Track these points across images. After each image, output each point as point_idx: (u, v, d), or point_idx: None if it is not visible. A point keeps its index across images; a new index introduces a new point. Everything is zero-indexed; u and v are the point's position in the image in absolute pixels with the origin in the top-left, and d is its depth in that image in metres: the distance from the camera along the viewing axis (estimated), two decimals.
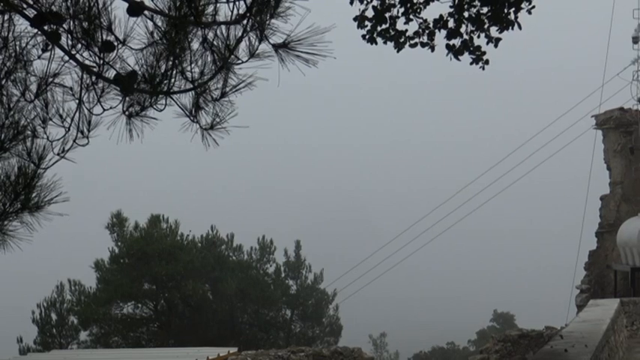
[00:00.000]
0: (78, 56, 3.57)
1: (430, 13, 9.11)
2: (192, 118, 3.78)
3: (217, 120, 3.81)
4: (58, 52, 3.60)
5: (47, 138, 3.80)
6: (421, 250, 41.05)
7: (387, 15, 9.10)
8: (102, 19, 3.50)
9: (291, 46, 3.56)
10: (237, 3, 3.47)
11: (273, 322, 32.08)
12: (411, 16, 9.10)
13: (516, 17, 8.86)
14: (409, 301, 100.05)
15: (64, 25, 3.50)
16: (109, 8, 3.52)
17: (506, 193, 38.99)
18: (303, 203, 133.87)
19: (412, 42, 9.20)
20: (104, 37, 3.53)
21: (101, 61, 3.57)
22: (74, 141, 3.78)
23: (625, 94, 25.99)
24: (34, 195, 3.80)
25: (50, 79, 3.74)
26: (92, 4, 3.49)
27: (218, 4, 3.49)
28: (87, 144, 3.81)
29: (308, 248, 33.89)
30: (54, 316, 29.60)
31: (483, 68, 9.24)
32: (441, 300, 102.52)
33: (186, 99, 3.74)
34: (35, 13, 3.45)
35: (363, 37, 9.19)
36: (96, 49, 3.54)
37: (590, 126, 26.83)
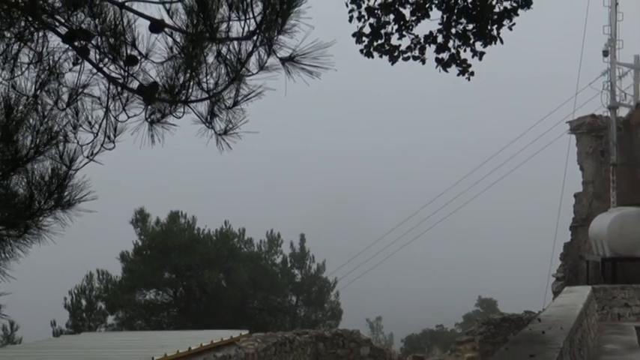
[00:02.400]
0: (105, 69, 3.57)
1: (421, 30, 9.11)
2: (207, 124, 3.78)
3: (230, 126, 3.81)
4: (87, 65, 3.60)
5: (77, 142, 3.81)
6: (412, 243, 41.13)
7: (382, 31, 9.10)
8: (126, 36, 3.50)
9: (297, 59, 3.55)
10: (248, 21, 3.47)
11: (280, 308, 32.10)
12: (404, 33, 9.10)
13: (498, 33, 8.85)
14: (402, 289, 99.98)
15: (93, 41, 3.50)
16: (133, 26, 3.52)
17: (489, 192, 39.04)
18: (307, 202, 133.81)
19: (405, 56, 9.20)
20: (128, 51, 3.53)
21: (126, 74, 3.57)
22: (102, 145, 3.78)
23: (596, 102, 26.00)
24: (65, 194, 3.80)
25: (80, 90, 3.75)
26: (118, 22, 3.49)
27: (231, 22, 3.48)
28: (113, 148, 3.82)
29: (311, 241, 33.92)
30: (84, 302, 29.64)
31: (469, 79, 9.24)
32: (430, 287, 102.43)
33: (202, 107, 3.74)
34: (66, 30, 3.45)
35: (361, 51, 9.19)
36: (121, 63, 3.54)
37: (565, 131, 26.85)
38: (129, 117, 3.72)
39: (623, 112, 25.74)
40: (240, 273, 30.25)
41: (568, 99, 27.89)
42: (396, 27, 9.04)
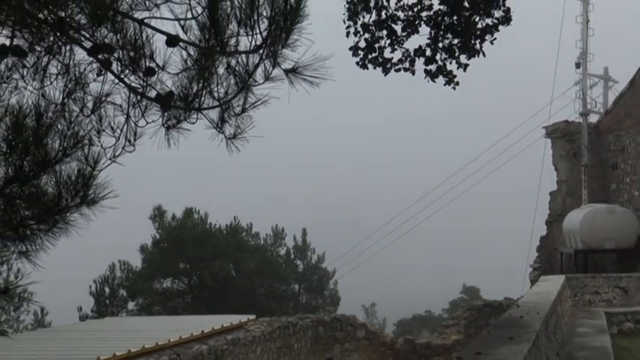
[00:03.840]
0: (126, 79, 3.57)
1: (411, 44, 9.12)
2: (218, 129, 3.77)
3: (239, 131, 3.80)
4: (110, 76, 3.60)
5: (101, 146, 3.81)
6: (404, 238, 41.21)
7: (376, 46, 9.11)
8: (145, 50, 3.50)
9: (299, 70, 3.55)
10: (255, 36, 3.47)
11: (284, 295, 32.11)
12: (396, 47, 9.11)
13: (481, 47, 8.86)
14: (394, 279, 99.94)
15: (115, 55, 3.50)
16: (151, 40, 3.52)
17: (473, 190, 39.07)
18: (308, 205, 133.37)
19: (396, 67, 9.21)
20: (147, 63, 3.53)
21: (145, 84, 3.57)
22: (123, 148, 3.78)
23: (569, 110, 26.08)
24: (90, 192, 3.79)
25: (103, 98, 3.75)
26: (137, 37, 3.48)
27: (239, 37, 3.48)
28: (133, 151, 3.81)
29: (312, 237, 33.92)
30: (107, 290, 29.65)
31: (454, 88, 9.25)
32: (420, 275, 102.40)
33: (214, 114, 3.73)
34: (91, 44, 3.45)
35: (357, 63, 9.20)
36: (140, 74, 3.54)
37: (541, 135, 26.88)
38: (147, 123, 3.72)
39: (593, 119, 25.80)
40: (247, 263, 30.26)
41: (544, 106, 27.96)
42: (388, 41, 9.06)
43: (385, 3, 8.90)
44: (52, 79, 3.73)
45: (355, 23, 9.02)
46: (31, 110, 3.65)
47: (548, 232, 26.25)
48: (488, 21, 8.76)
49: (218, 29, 3.37)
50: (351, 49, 9.09)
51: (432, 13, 8.82)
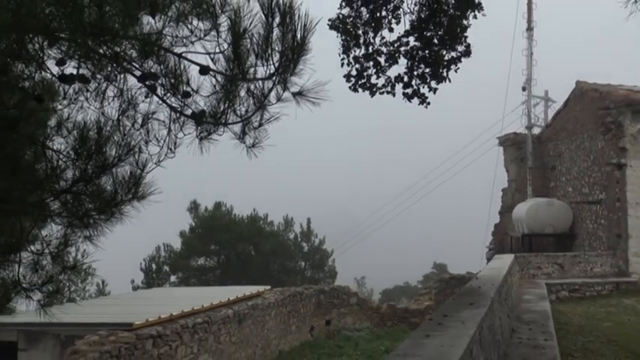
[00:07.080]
0: (168, 101, 3.56)
1: (392, 72, 9.12)
2: (240, 140, 3.76)
3: (257, 141, 3.80)
4: (155, 98, 3.60)
5: (148, 153, 3.81)
6: (386, 226, 41.20)
7: (365, 74, 9.12)
8: (183, 77, 3.50)
9: (304, 93, 3.54)
10: (269, 66, 3.47)
11: (293, 270, 32.12)
12: (380, 74, 9.12)
13: (447, 75, 8.86)
14: (380, 256, 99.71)
15: (159, 81, 3.50)
16: (187, 70, 3.52)
17: (442, 188, 39.06)
18: (310, 202, 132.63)
19: (381, 91, 9.22)
20: (184, 88, 3.53)
21: (182, 104, 3.57)
22: (165, 155, 3.78)
23: (517, 123, 26.13)
24: (140, 189, 3.80)
25: (150, 116, 3.75)
26: (177, 67, 3.48)
27: (257, 67, 3.48)
28: (173, 157, 3.82)
29: (315, 224, 33.89)
30: (154, 266, 29.69)
31: (426, 107, 9.26)
32: (400, 254, 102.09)
33: (237, 128, 3.72)
34: (140, 73, 3.45)
35: (349, 87, 9.21)
36: (179, 96, 3.54)
37: (495, 144, 26.87)
38: (185, 135, 3.72)
39: (536, 131, 25.80)
40: (264, 245, 30.27)
41: (497, 121, 27.97)
42: (374, 70, 9.07)
43: (372, 40, 8.92)
44: (110, 101, 3.73)
45: (348, 56, 9.04)
46: (93, 125, 3.67)
47: (501, 220, 26.23)
48: (453, 54, 8.77)
49: (240, 61, 3.37)
50: (344, 76, 9.10)
51: (408, 48, 8.84)
